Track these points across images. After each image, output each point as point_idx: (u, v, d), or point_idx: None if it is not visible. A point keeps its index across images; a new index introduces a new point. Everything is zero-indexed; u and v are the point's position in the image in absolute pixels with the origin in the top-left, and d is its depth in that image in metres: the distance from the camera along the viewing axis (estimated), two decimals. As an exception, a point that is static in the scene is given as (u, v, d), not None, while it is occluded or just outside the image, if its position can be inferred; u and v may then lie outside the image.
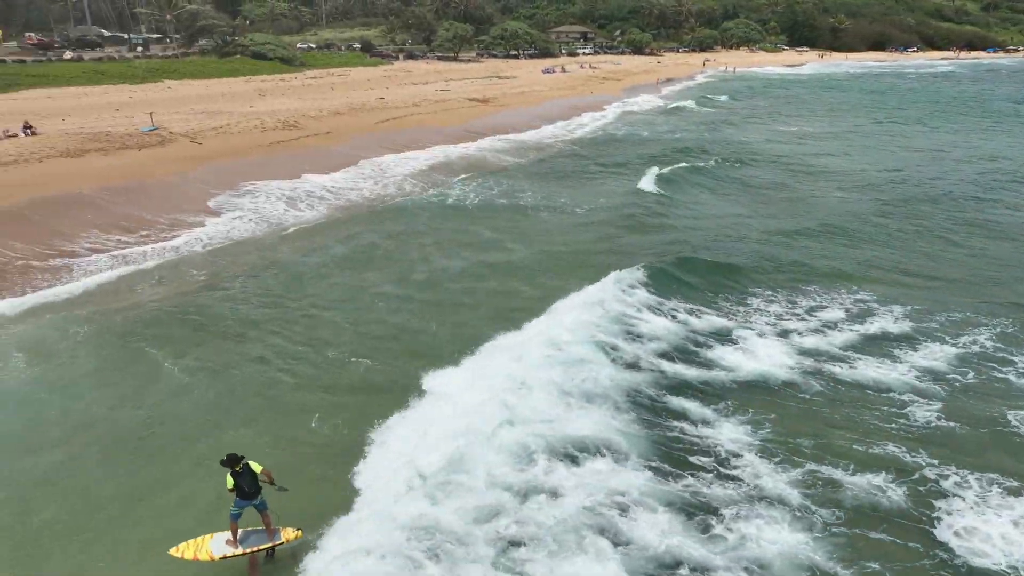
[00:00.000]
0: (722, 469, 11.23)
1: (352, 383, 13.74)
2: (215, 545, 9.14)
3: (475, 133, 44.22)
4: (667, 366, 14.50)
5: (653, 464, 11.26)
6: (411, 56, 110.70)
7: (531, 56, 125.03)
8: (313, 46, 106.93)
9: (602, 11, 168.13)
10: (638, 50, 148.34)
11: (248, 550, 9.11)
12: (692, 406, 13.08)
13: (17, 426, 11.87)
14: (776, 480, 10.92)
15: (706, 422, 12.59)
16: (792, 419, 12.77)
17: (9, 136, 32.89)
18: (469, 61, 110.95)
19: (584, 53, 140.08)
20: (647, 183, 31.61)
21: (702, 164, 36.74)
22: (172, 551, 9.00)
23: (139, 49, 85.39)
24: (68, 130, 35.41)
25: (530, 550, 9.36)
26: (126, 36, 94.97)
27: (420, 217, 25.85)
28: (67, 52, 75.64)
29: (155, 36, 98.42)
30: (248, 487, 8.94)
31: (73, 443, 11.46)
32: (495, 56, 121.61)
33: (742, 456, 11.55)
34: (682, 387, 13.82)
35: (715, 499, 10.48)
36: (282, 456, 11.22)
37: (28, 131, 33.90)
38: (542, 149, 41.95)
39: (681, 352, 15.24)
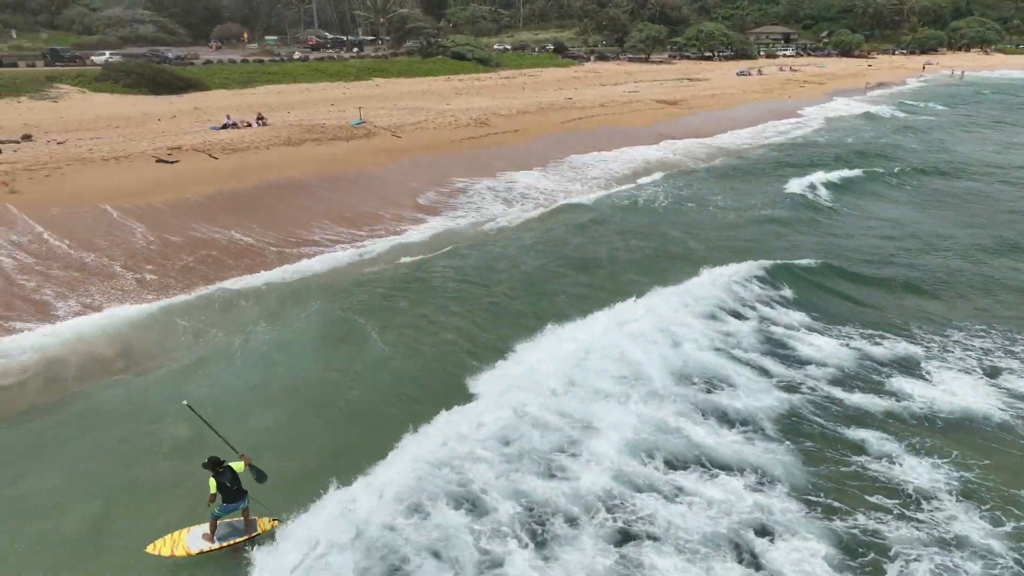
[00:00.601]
0: (907, 511, 10.15)
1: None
2: (191, 540, 9.28)
3: (662, 135, 43.48)
4: (839, 393, 13.41)
5: (810, 494, 10.48)
6: (602, 57, 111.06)
7: (726, 58, 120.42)
8: (508, 47, 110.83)
9: (808, 11, 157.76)
10: (846, 52, 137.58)
11: (225, 544, 9.30)
12: (870, 437, 11.95)
13: (256, 379, 13.64)
14: (981, 530, 9.70)
15: (889, 457, 11.44)
16: (1009, 467, 11.25)
17: (245, 126, 37.62)
18: (660, 63, 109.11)
19: (785, 55, 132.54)
20: (837, 191, 29.59)
21: (905, 174, 33.74)
22: (149, 548, 9.09)
23: (355, 50, 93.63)
24: (291, 122, 39.76)
25: (644, 547, 9.25)
26: (345, 38, 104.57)
27: (609, 215, 26.02)
28: (296, 52, 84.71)
29: (369, 38, 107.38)
30: (231, 484, 9.14)
31: (293, 399, 12.93)
32: (688, 57, 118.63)
33: (937, 499, 10.38)
34: (857, 416, 12.69)
35: (894, 541, 9.53)
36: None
37: (260, 122, 38.56)
38: (731, 153, 40.32)
39: (855, 378, 14.03)
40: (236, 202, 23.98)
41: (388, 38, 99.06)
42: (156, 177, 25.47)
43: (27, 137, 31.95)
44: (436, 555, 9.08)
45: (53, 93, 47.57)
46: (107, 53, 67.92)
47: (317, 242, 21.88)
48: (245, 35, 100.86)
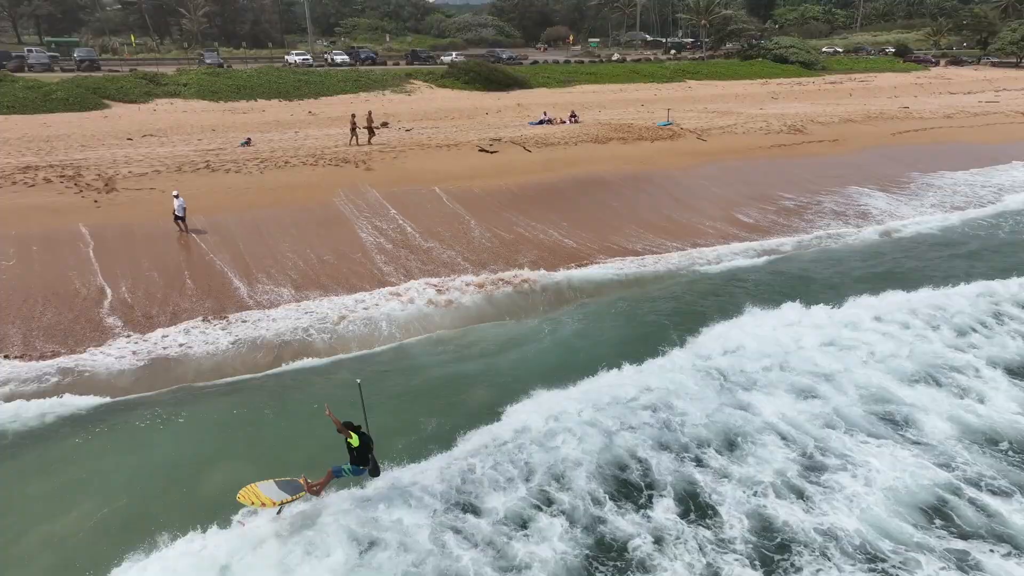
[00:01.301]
0: None
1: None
2: (267, 491, 9.60)
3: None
4: None
5: None
6: (954, 62, 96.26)
7: None
8: (839, 50, 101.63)
9: None
10: None
11: (293, 497, 9.66)
12: None
13: (554, 360, 15.01)
14: None
15: None
16: None
17: (559, 122, 40.20)
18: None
19: None
20: None
21: None
22: (239, 497, 9.43)
23: (672, 52, 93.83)
24: (601, 120, 41.45)
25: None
26: (664, 40, 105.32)
27: (959, 241, 23.75)
28: (615, 54, 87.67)
29: (688, 40, 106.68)
30: (369, 445, 9.52)
31: (583, 382, 13.73)
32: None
33: None
34: None
35: None
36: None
37: (572, 119, 40.87)
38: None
39: None
40: (542, 193, 25.86)
41: (708, 40, 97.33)
42: (477, 165, 28.57)
43: (385, 124, 38.11)
44: (658, 541, 9.53)
45: (408, 88, 55.78)
46: (453, 53, 77.37)
47: (638, 252, 22.24)
48: (570, 37, 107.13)
